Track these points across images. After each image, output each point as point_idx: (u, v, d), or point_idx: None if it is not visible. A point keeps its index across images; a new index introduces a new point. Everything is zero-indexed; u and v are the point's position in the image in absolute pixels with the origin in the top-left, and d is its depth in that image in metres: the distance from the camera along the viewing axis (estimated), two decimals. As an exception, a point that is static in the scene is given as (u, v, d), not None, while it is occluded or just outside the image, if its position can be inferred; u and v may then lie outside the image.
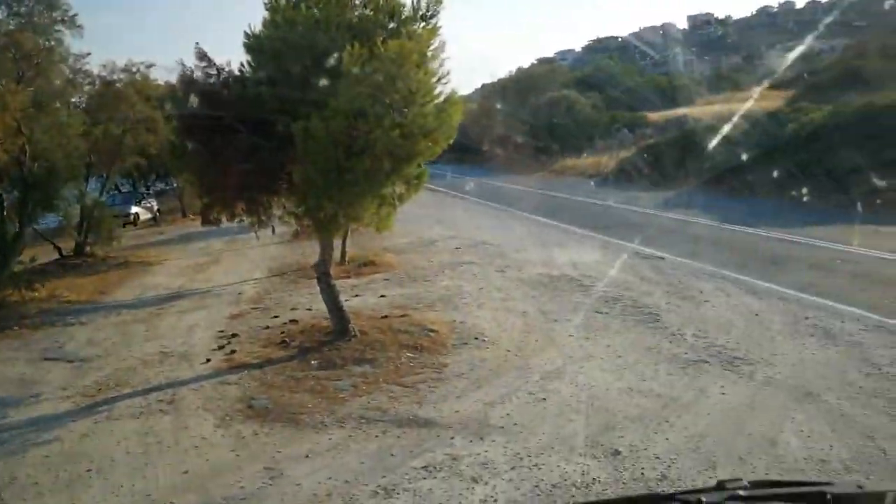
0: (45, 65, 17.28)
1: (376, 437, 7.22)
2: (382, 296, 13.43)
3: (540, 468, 6.14)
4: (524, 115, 48.10)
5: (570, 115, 47.12)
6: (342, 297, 11.25)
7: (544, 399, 7.83)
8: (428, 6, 9.84)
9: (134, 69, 23.40)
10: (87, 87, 22.33)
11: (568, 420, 7.23)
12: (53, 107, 18.23)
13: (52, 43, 17.52)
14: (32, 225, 19.10)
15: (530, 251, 17.14)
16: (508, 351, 9.71)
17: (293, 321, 12.03)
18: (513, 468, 6.19)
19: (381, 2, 9.87)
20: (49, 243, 22.17)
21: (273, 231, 17.17)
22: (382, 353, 9.82)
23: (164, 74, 26.68)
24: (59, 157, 16.96)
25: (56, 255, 22.17)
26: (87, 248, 22.62)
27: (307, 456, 6.88)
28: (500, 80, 62.81)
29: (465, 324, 11.04)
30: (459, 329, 10.77)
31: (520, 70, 65.32)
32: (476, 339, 10.29)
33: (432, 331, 10.58)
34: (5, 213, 16.93)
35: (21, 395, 9.51)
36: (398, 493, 5.92)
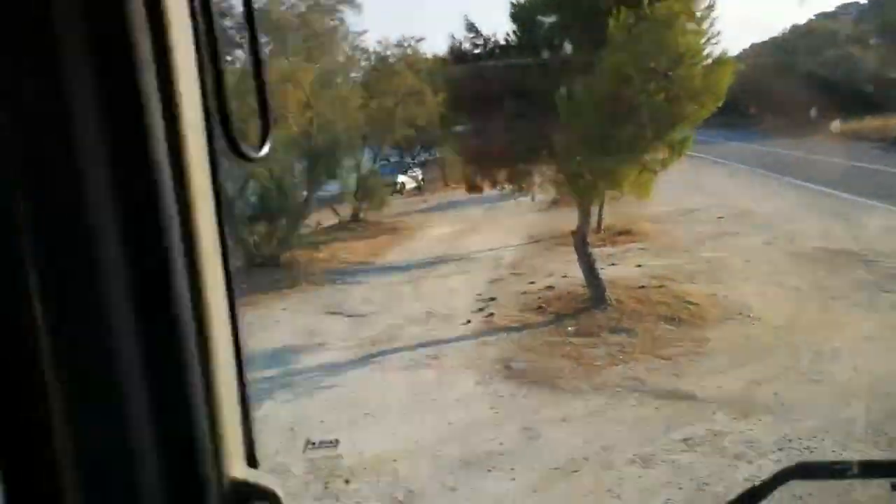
0: (329, 43, 18.94)
1: (633, 406, 7.18)
2: (639, 265, 13.18)
3: (812, 451, 5.75)
4: (799, 74, 44.16)
5: (852, 74, 42.48)
6: (598, 265, 11.21)
7: (818, 381, 7.29)
8: (698, -37, 9.37)
9: (406, 44, 24.81)
10: (363, 63, 24.05)
11: (845, 404, 6.68)
12: (336, 82, 19.94)
13: (336, 22, 19.12)
14: (317, 191, 21.04)
15: (804, 222, 15.82)
16: (777, 328, 9.13)
17: (549, 287, 12.20)
18: (780, 449, 5.87)
19: (648, -38, 9.56)
20: (330, 208, 24.34)
21: (532, 199, 17.44)
22: (639, 323, 9.68)
23: (434, 48, 27.95)
24: (340, 130, 18.52)
25: (335, 220, 24.29)
26: (361, 214, 24.50)
27: (563, 420, 7.02)
28: (772, 39, 58.16)
29: (729, 298, 10.51)
30: (722, 303, 10.29)
31: (795, 27, 59.97)
32: (741, 314, 9.78)
33: (692, 303, 10.22)
34: (295, 180, 18.88)
35: (309, 344, 10.61)
36: (656, 464, 5.86)
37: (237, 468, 0.98)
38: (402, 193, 34.16)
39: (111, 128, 0.80)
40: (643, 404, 7.18)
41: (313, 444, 6.92)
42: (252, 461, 1.05)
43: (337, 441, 6.94)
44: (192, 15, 0.89)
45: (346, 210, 24.75)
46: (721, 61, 9.42)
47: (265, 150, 0.99)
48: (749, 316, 9.68)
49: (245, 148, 0.95)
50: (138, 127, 0.81)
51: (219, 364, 0.93)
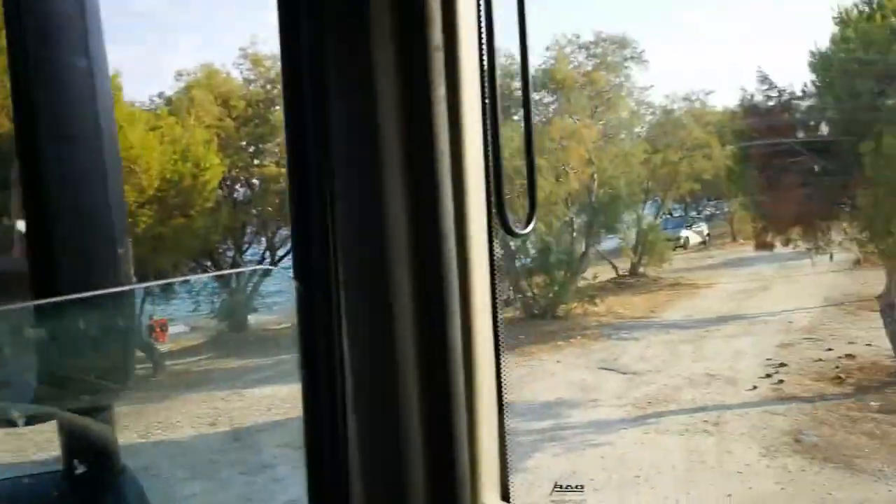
0: (614, 100, 19.14)
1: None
2: (965, 338, 11.49)
3: None
4: None
5: None
6: (911, 335, 9.98)
7: None
8: None
9: (693, 97, 24.30)
10: (648, 118, 23.92)
11: None
12: (619, 138, 20.05)
13: (622, 79, 19.30)
14: (595, 245, 21.13)
15: None
16: None
17: (849, 356, 11.07)
18: None
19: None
20: (608, 262, 24.28)
21: (831, 258, 16.03)
22: (961, 404, 8.44)
23: (724, 101, 27.12)
24: (621, 184, 18.52)
25: (613, 274, 24.15)
26: (641, 269, 24.10)
27: (862, 504, 6.32)
28: None
29: None
30: None
31: None
32: None
33: None
34: (574, 235, 19.15)
35: (581, 399, 10.60)
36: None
37: (490, 497, 1.08)
38: (685, 248, 33.09)
39: (413, 181, 0.96)
40: (964, 499, 6.24)
41: (560, 487, 6.89)
42: (505, 494, 1.15)
43: (582, 487, 6.86)
44: (482, 94, 1.03)
45: (624, 264, 24.53)
46: None
47: (531, 226, 1.15)
48: None
49: (513, 223, 1.10)
50: (431, 183, 0.97)
51: (482, 403, 1.05)
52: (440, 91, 0.97)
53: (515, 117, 18.42)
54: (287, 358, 13.66)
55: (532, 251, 18.05)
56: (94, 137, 0.84)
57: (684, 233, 34.05)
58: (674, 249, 28.77)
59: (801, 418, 8.70)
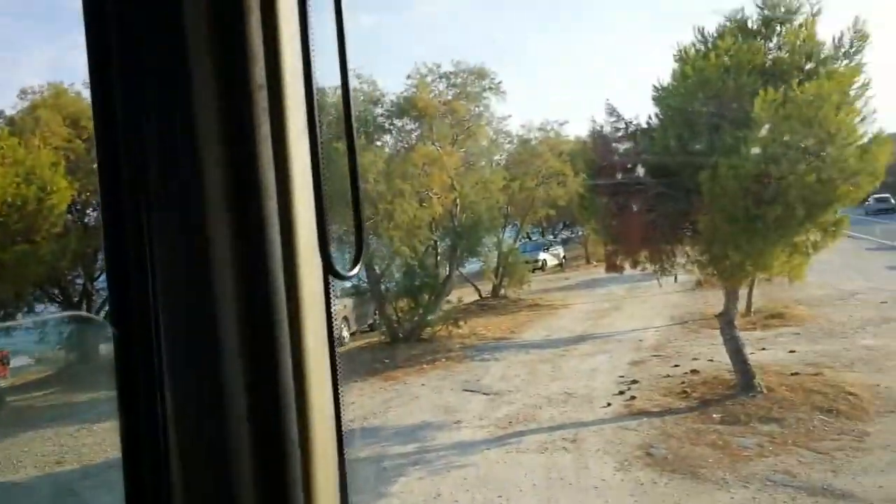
0: (473, 128, 19.67)
1: (784, 503, 6.77)
2: (792, 351, 12.50)
3: None
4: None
5: None
6: (747, 350, 10.75)
7: None
8: (852, 42, 9.14)
9: (548, 127, 25.40)
10: (507, 146, 24.75)
11: None
12: (479, 165, 20.61)
13: (480, 109, 19.87)
14: (459, 269, 21.48)
15: (981, 311, 14.56)
16: (951, 425, 8.39)
17: (694, 371, 11.79)
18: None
19: (798, 42, 9.43)
20: (471, 285, 24.77)
21: (675, 279, 17.05)
22: (791, 412, 9.16)
23: (576, 130, 28.40)
24: (482, 210, 19.01)
25: (476, 296, 24.64)
26: (502, 291, 24.74)
27: (707, 511, 6.72)
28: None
29: (893, 389, 9.77)
30: (885, 394, 9.58)
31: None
32: (907, 407, 9.07)
33: (851, 394, 9.57)
34: (438, 258, 19.44)
35: (445, 421, 10.71)
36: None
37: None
38: (543, 270, 34.22)
39: (238, 223, 0.94)
40: (795, 500, 6.76)
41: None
42: None
43: None
44: (310, 131, 1.03)
45: (487, 287, 25.08)
46: (878, 140, 9.04)
47: (356, 270, 1.11)
48: (918, 410, 8.96)
49: (340, 265, 1.06)
50: (258, 225, 0.95)
51: (319, 453, 1.03)
52: (265, 129, 0.95)
53: (378, 143, 18.40)
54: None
55: (397, 275, 18.14)
56: None
57: (542, 256, 35.32)
58: (532, 271, 29.74)
59: (651, 432, 9.16)
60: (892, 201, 41.94)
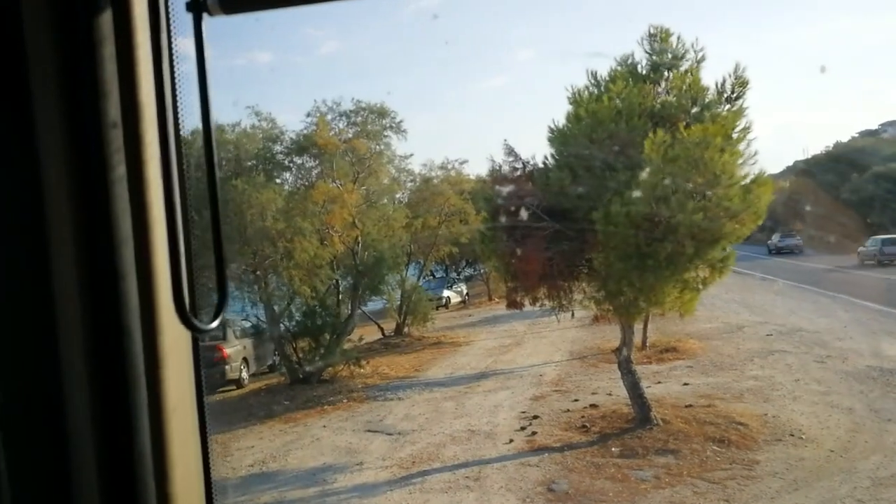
0: (375, 166, 19.69)
1: (680, 533, 6.91)
2: (686, 384, 12.92)
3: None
4: (844, 191, 44.16)
5: (900, 190, 42.31)
6: (643, 384, 11.04)
7: (876, 510, 6.96)
8: (733, 88, 9.67)
9: (449, 166, 25.74)
10: (409, 184, 24.89)
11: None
12: (381, 203, 20.62)
13: (381, 147, 19.92)
14: (361, 307, 21.30)
15: (856, 340, 15.44)
16: (832, 451, 8.79)
17: (593, 406, 12.01)
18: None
19: (684, 87, 9.90)
20: (374, 324, 24.59)
21: (573, 315, 17.42)
22: (686, 444, 9.43)
23: (476, 169, 28.88)
24: (385, 248, 18.97)
25: (379, 335, 24.47)
26: (405, 329, 24.66)
27: (607, 546, 6.78)
28: (814, 157, 58.66)
29: (779, 418, 10.22)
30: (772, 423, 10.00)
31: (838, 144, 60.49)
32: (792, 435, 9.47)
33: (741, 424, 9.95)
34: (340, 297, 19.22)
35: (347, 463, 10.50)
36: None
37: None
38: (447, 308, 34.37)
39: (90, 273, 0.87)
40: (691, 531, 6.91)
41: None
42: None
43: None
44: (167, 174, 0.93)
45: (390, 325, 24.94)
46: (760, 181, 9.54)
47: (215, 323, 1.02)
48: (801, 437, 9.37)
49: (198, 318, 0.97)
50: (112, 274, 0.87)
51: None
52: (119, 171, 0.89)
53: (278, 180, 18.10)
54: None
55: (297, 315, 17.82)
56: None
57: (446, 293, 35.50)
58: (436, 309, 29.83)
59: (552, 468, 9.22)
60: (798, 238, 42.72)
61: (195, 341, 1.02)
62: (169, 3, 0.92)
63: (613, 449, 9.63)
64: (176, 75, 0.94)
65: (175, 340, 0.97)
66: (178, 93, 0.94)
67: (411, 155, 28.79)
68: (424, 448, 10.81)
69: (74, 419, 0.86)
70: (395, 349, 22.32)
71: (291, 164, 18.13)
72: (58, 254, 0.85)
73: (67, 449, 0.86)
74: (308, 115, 18.39)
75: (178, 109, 0.94)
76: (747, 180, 9.48)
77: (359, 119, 18.86)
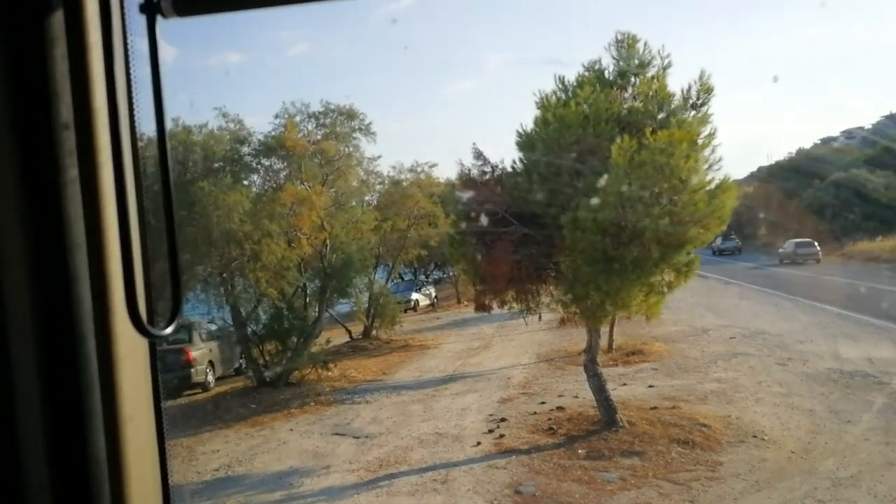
0: (344, 168, 19.63)
1: (645, 534, 6.99)
2: (651, 386, 13.07)
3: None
4: (807, 197, 45.07)
5: (859, 197, 43.27)
6: (609, 386, 11.15)
7: (836, 510, 7.10)
8: (698, 95, 9.81)
9: (419, 169, 25.77)
10: (378, 187, 24.85)
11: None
12: (350, 205, 20.55)
13: (350, 149, 19.86)
14: (329, 310, 21.20)
15: (817, 343, 15.74)
16: (793, 452, 8.96)
17: (560, 408, 12.09)
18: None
19: (651, 93, 10.02)
20: (341, 326, 24.50)
21: (540, 318, 17.52)
22: (651, 446, 9.54)
23: (445, 173, 28.92)
24: (353, 250, 18.90)
25: (346, 338, 24.38)
26: (374, 332, 24.61)
27: (573, 547, 6.83)
28: (777, 163, 59.79)
29: (742, 420, 10.38)
30: (735, 425, 10.15)
31: (800, 151, 61.74)
32: (754, 437, 9.63)
33: (705, 425, 10.09)
34: (307, 300, 19.12)
35: (314, 466, 10.45)
36: None
37: None
38: (415, 310, 34.35)
39: (41, 277, 0.84)
40: (655, 532, 7.00)
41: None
42: None
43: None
44: (120, 176, 0.91)
45: (358, 328, 24.87)
46: (724, 186, 9.69)
47: (170, 329, 0.99)
48: (763, 439, 9.52)
49: (155, 324, 0.95)
50: (64, 279, 0.85)
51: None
52: (72, 173, 0.87)
53: (245, 182, 17.94)
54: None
55: (264, 317, 17.69)
56: None
57: (414, 296, 35.49)
58: (405, 311, 29.81)
59: (519, 470, 9.27)
60: (737, 241, 45.68)
61: (152, 347, 1.01)
62: (124, 5, 0.91)
63: (580, 451, 9.71)
64: (134, 77, 0.93)
65: (131, 346, 0.95)
66: (134, 95, 0.92)
67: (380, 157, 28.83)
68: (392, 451, 10.79)
69: (26, 427, 0.85)
70: (363, 352, 22.26)
71: (259, 166, 17.99)
72: (8, 258, 0.84)
73: (18, 459, 0.84)
74: (276, 116, 18.25)
75: (134, 112, 0.92)
76: (712, 186, 9.62)
77: (327, 121, 18.79)
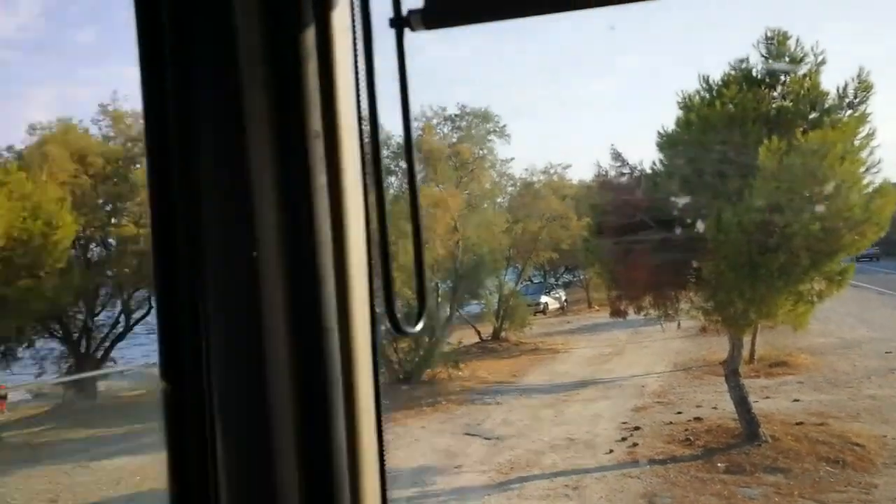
0: (477, 171, 19.81)
1: (791, 555, 6.65)
2: (796, 400, 12.39)
3: None
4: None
5: None
6: (751, 398, 10.66)
7: None
8: (856, 93, 9.23)
9: (552, 170, 25.59)
10: (510, 189, 24.88)
11: None
12: (482, 207, 20.71)
13: (484, 151, 20.02)
14: (459, 311, 21.42)
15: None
16: (958, 479, 8.27)
17: (697, 419, 11.68)
18: None
19: (803, 92, 9.52)
20: (471, 327, 24.67)
21: (678, 325, 16.99)
22: (797, 463, 9.05)
23: (579, 174, 28.61)
24: (484, 252, 19.03)
25: (476, 339, 24.51)
26: (503, 334, 24.62)
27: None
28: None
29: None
30: (892, 445, 9.48)
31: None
32: (913, 459, 8.96)
33: (857, 445, 9.46)
34: (439, 300, 19.41)
35: (446, 466, 10.57)
36: None
37: None
38: (545, 314, 34.08)
39: (292, 275, 0.91)
40: (803, 554, 6.64)
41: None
42: None
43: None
44: (364, 181, 1.00)
45: (487, 329, 24.96)
46: (883, 190, 9.09)
47: (419, 325, 1.07)
48: (924, 462, 8.85)
49: (404, 322, 1.01)
50: (312, 277, 0.92)
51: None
52: (321, 179, 0.93)
53: (384, 184, 18.51)
54: (140, 427, 12.87)
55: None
56: None
57: (544, 299, 35.19)
58: (534, 315, 29.62)
59: (654, 480, 9.03)
60: (875, 247, 42.28)
61: (374, 342, 1.06)
62: (370, 20, 0.95)
63: (719, 464, 9.34)
64: (378, 89, 0.97)
65: (366, 341, 1.01)
66: (377, 106, 0.97)
67: (512, 159, 28.83)
68: (523, 454, 10.77)
69: (278, 415, 0.91)
70: (493, 353, 22.31)
71: (397, 168, 18.44)
72: (261, 256, 0.90)
73: (270, 433, 0.91)
74: (414, 119, 18.61)
75: (378, 122, 0.97)
76: (870, 190, 9.04)
77: (463, 124, 19.01)
